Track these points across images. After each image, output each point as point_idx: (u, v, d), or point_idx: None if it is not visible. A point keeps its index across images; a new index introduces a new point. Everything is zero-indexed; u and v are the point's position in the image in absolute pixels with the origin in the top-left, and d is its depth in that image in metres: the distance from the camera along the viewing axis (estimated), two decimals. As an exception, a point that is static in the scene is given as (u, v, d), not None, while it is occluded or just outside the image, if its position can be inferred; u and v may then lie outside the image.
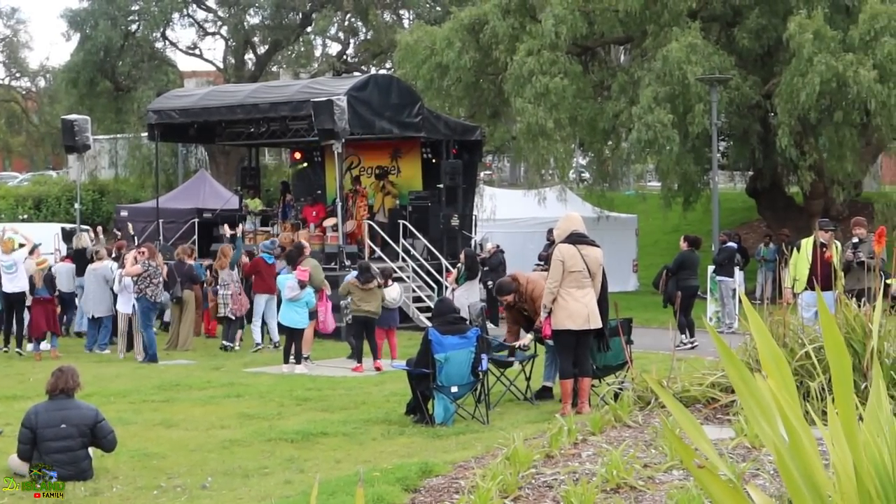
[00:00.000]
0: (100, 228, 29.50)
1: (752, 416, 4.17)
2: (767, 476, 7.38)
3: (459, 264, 24.65)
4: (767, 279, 30.12)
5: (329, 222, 28.33)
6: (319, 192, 31.64)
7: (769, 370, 4.15)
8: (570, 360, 13.74)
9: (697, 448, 4.30)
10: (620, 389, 12.14)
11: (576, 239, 13.72)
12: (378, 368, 19.59)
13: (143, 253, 21.82)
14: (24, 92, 67.59)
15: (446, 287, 25.54)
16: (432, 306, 18.87)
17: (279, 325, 21.34)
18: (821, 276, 16.21)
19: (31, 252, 23.34)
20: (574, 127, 32.79)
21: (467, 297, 22.73)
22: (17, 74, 67.20)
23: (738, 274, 25.83)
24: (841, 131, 29.85)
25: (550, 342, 14.56)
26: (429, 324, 16.73)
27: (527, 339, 15.34)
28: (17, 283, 22.48)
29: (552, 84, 30.42)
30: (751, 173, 37.18)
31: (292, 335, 19.94)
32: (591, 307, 13.60)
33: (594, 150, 37.72)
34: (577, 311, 13.51)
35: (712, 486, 4.01)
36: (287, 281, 20.14)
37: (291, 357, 19.85)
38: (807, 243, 18.85)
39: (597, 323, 13.69)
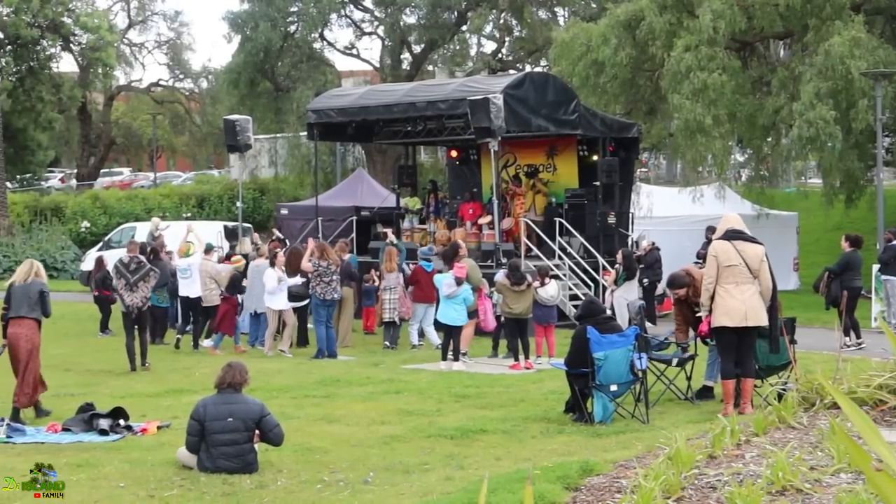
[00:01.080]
0: (256, 236, 29.96)
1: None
2: (940, 481, 7.19)
3: (617, 265, 24.49)
4: (935, 279, 29.27)
5: (485, 220, 28.38)
6: (476, 189, 31.73)
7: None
8: (732, 359, 13.49)
9: (870, 450, 4.22)
10: (784, 390, 11.94)
11: (731, 235, 13.48)
12: (528, 367, 19.62)
13: (315, 252, 22.13)
14: (187, 93, 69.41)
15: (604, 286, 25.40)
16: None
17: (437, 322, 21.47)
18: None
19: (207, 252, 23.86)
20: (732, 123, 32.33)
21: (626, 296, 22.59)
22: (181, 76, 69.00)
23: (905, 273, 25.12)
24: None
25: (711, 341, 14.36)
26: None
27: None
28: (192, 288, 22.99)
29: (710, 80, 30.05)
30: (917, 169, 36.31)
31: (450, 332, 20.08)
32: (749, 304, 13.25)
33: (753, 146, 37.10)
34: (734, 308, 13.23)
35: (890, 490, 3.93)
36: (444, 279, 20.27)
37: (450, 354, 19.98)
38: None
39: (756, 320, 13.33)
